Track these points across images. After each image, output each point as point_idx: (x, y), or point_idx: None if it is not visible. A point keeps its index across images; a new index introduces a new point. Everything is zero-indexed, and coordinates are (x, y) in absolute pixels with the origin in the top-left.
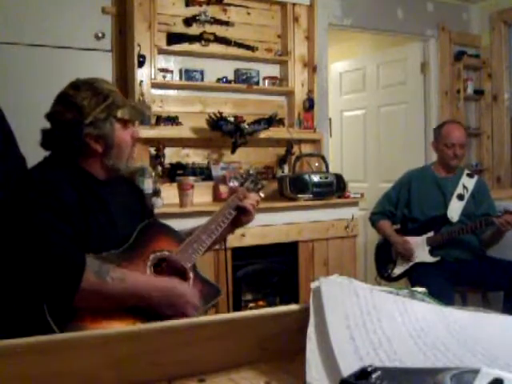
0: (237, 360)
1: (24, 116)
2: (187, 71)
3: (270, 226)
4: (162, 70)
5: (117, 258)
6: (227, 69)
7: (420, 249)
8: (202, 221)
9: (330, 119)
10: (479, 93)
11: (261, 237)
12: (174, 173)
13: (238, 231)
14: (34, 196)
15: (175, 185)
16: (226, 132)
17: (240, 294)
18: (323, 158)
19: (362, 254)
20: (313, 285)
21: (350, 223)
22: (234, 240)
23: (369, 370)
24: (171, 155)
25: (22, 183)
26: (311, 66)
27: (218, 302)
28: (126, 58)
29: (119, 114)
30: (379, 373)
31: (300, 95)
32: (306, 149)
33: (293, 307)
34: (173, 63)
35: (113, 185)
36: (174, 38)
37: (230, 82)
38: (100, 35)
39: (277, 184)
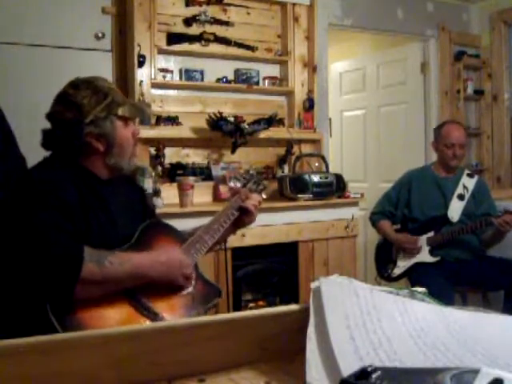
0: (237, 360)
1: (24, 116)
2: (187, 71)
3: (269, 225)
4: (162, 70)
5: None
6: (227, 69)
7: (420, 249)
8: (202, 221)
9: (330, 119)
10: (479, 93)
11: (261, 237)
12: (174, 173)
13: (239, 231)
14: (35, 195)
15: (175, 185)
16: (226, 132)
17: (240, 294)
18: (323, 158)
19: (362, 254)
20: (313, 285)
21: (349, 223)
22: (234, 240)
23: (369, 369)
24: (171, 155)
25: (22, 183)
26: (311, 66)
27: (218, 302)
28: (126, 58)
29: (120, 111)
30: (379, 373)
31: (300, 95)
32: (306, 149)
33: (293, 307)
34: (173, 63)
35: (114, 184)
36: (174, 38)
37: (230, 82)
38: (100, 35)
39: (277, 184)
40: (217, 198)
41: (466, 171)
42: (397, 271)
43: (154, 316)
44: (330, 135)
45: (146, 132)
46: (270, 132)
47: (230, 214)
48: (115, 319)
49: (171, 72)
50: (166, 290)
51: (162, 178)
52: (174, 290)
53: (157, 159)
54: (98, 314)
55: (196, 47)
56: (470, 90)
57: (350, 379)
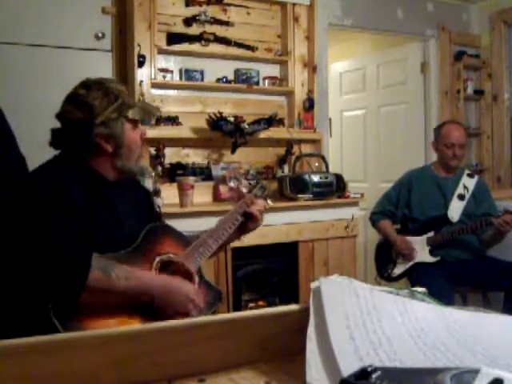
0: (237, 360)
1: (24, 116)
2: (187, 71)
3: (270, 226)
4: (162, 70)
5: (123, 259)
6: (227, 69)
7: (420, 249)
8: (202, 221)
9: (330, 119)
10: (479, 93)
11: (261, 237)
12: (174, 173)
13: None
14: (43, 195)
15: (175, 185)
16: (226, 132)
17: (240, 294)
18: (323, 158)
19: (362, 254)
20: (313, 285)
21: (350, 223)
22: None
23: (369, 369)
24: (171, 155)
25: (30, 182)
26: (311, 66)
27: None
28: (126, 58)
29: (130, 114)
30: (379, 373)
31: (300, 95)
32: (306, 149)
33: (293, 307)
34: (173, 63)
35: (121, 186)
36: (174, 38)
37: (230, 82)
38: (100, 35)
39: (277, 184)
40: (217, 198)
41: (467, 171)
42: (397, 271)
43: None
44: (330, 135)
45: (146, 132)
46: (270, 132)
47: (235, 219)
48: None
49: (171, 72)
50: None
51: (162, 178)
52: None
53: (157, 159)
54: (102, 322)
55: (196, 47)
56: (470, 90)
57: (349, 379)
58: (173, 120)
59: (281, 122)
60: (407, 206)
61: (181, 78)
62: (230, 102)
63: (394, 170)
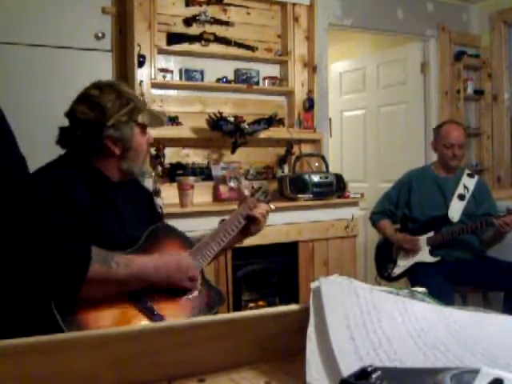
0: (237, 360)
1: (24, 116)
2: (187, 71)
3: (269, 226)
4: (162, 70)
5: None
6: (227, 69)
7: (421, 248)
8: (202, 221)
9: (330, 119)
10: (479, 93)
11: (261, 237)
12: (174, 173)
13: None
14: (46, 193)
15: (175, 185)
16: (226, 132)
17: (240, 294)
18: (323, 158)
19: (362, 254)
20: (313, 285)
21: (350, 223)
22: None
23: (369, 370)
24: (171, 155)
25: (34, 180)
26: (311, 66)
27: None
28: (126, 58)
29: (139, 118)
30: (379, 373)
31: (300, 95)
32: (306, 149)
33: (293, 307)
34: (173, 63)
35: (124, 187)
36: (173, 38)
37: (230, 82)
38: (100, 35)
39: (277, 184)
40: (217, 198)
41: (467, 171)
42: (397, 271)
43: (159, 320)
44: (330, 135)
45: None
46: (270, 132)
47: (237, 222)
48: (120, 321)
49: (171, 72)
50: (172, 293)
51: (162, 178)
52: (180, 293)
53: (157, 159)
54: (102, 315)
55: (196, 47)
56: (470, 90)
57: (349, 379)
58: (173, 120)
59: (281, 121)
60: (407, 205)
61: (181, 78)
62: (230, 102)
63: (394, 170)
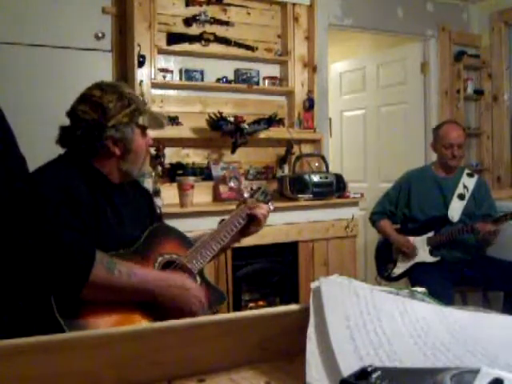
0: (237, 360)
1: (24, 116)
2: (187, 71)
3: (269, 226)
4: (162, 70)
5: (125, 259)
6: (227, 69)
7: (420, 249)
8: (202, 221)
9: (330, 119)
10: (479, 93)
11: (261, 237)
12: (174, 173)
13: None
14: (48, 193)
15: (175, 185)
16: (226, 132)
17: (240, 294)
18: (323, 158)
19: (362, 254)
20: (313, 285)
21: (350, 223)
22: None
23: (369, 370)
24: (171, 155)
25: (36, 180)
26: (311, 66)
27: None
28: (126, 58)
29: (140, 120)
30: (379, 373)
31: (300, 95)
32: (306, 149)
33: (293, 307)
34: (173, 63)
35: (123, 187)
36: (173, 38)
37: (230, 82)
38: (100, 35)
39: (277, 184)
40: (217, 198)
41: (466, 171)
42: (397, 271)
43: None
44: (330, 135)
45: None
46: (270, 132)
47: (237, 222)
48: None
49: (171, 72)
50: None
51: (162, 178)
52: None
53: (157, 159)
54: (105, 319)
55: (196, 47)
56: (470, 90)
57: (349, 379)
58: (173, 120)
59: (281, 121)
60: (407, 206)
61: (181, 78)
62: (230, 102)
63: (394, 170)
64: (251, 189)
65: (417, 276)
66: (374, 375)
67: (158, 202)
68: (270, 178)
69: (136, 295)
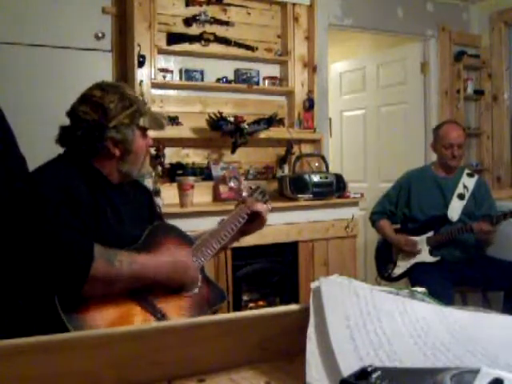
0: (237, 360)
1: (24, 116)
2: (187, 71)
3: (269, 225)
4: (162, 70)
5: None
6: (227, 69)
7: (419, 250)
8: (202, 221)
9: (330, 119)
10: (479, 93)
11: (261, 237)
12: (174, 173)
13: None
14: (48, 192)
15: (175, 185)
16: (226, 132)
17: (240, 294)
18: (323, 158)
19: (362, 254)
20: (313, 285)
21: (350, 223)
22: None
23: (369, 369)
24: (171, 155)
25: (35, 179)
26: (311, 66)
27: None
28: (126, 58)
29: (141, 121)
30: (379, 373)
31: (300, 95)
32: (306, 149)
33: (293, 307)
34: (173, 63)
35: (123, 186)
36: (173, 38)
37: (230, 82)
38: (100, 35)
39: (277, 184)
40: (217, 198)
41: (466, 171)
42: (397, 271)
43: (162, 317)
44: (330, 135)
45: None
46: (270, 132)
47: (237, 221)
48: (122, 319)
49: (171, 72)
50: (173, 291)
51: (162, 178)
52: (181, 291)
53: (157, 159)
54: (104, 312)
55: (196, 47)
56: (470, 90)
57: (349, 379)
58: (173, 120)
59: (281, 121)
60: (407, 205)
61: (181, 78)
62: (230, 102)
63: (394, 170)
64: (250, 188)
65: (417, 276)
66: (374, 375)
67: (157, 201)
68: (269, 178)
69: (137, 282)
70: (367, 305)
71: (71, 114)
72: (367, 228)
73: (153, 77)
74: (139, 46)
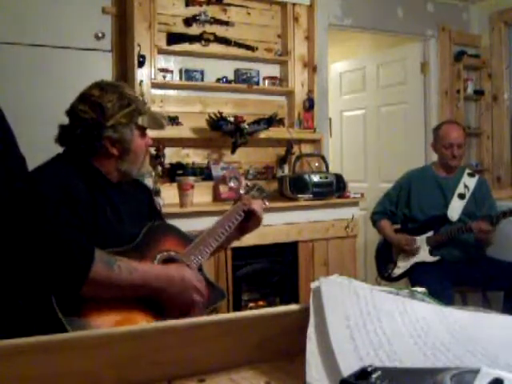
0: (237, 360)
1: (24, 116)
2: (187, 71)
3: (269, 225)
4: (162, 70)
5: (123, 256)
6: (227, 69)
7: (420, 248)
8: (202, 221)
9: (330, 119)
10: (479, 93)
11: (261, 237)
12: (174, 173)
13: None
14: (47, 191)
15: (175, 185)
16: (226, 132)
17: (240, 294)
18: (323, 158)
19: (362, 254)
20: (313, 285)
21: (350, 223)
22: None
23: (369, 369)
24: (171, 155)
25: (35, 178)
26: (311, 66)
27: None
28: (126, 58)
29: (140, 121)
30: (379, 373)
31: (300, 95)
32: (306, 149)
33: (293, 307)
34: (173, 63)
35: (123, 185)
36: (173, 38)
37: (230, 82)
38: (100, 35)
39: (277, 184)
40: (217, 198)
41: (467, 170)
42: (397, 271)
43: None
44: (330, 135)
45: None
46: (270, 132)
47: (234, 218)
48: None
49: (171, 72)
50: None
51: (162, 178)
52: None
53: (157, 159)
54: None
55: (196, 47)
56: (470, 90)
57: (349, 379)
58: (173, 120)
59: (281, 121)
60: (407, 205)
61: (181, 78)
62: (230, 102)
63: (394, 170)
64: (247, 185)
65: (417, 276)
66: (374, 375)
67: (158, 201)
68: (269, 178)
69: (137, 291)
70: (367, 305)
71: (70, 112)
72: (367, 228)
73: (153, 77)
74: (139, 46)
